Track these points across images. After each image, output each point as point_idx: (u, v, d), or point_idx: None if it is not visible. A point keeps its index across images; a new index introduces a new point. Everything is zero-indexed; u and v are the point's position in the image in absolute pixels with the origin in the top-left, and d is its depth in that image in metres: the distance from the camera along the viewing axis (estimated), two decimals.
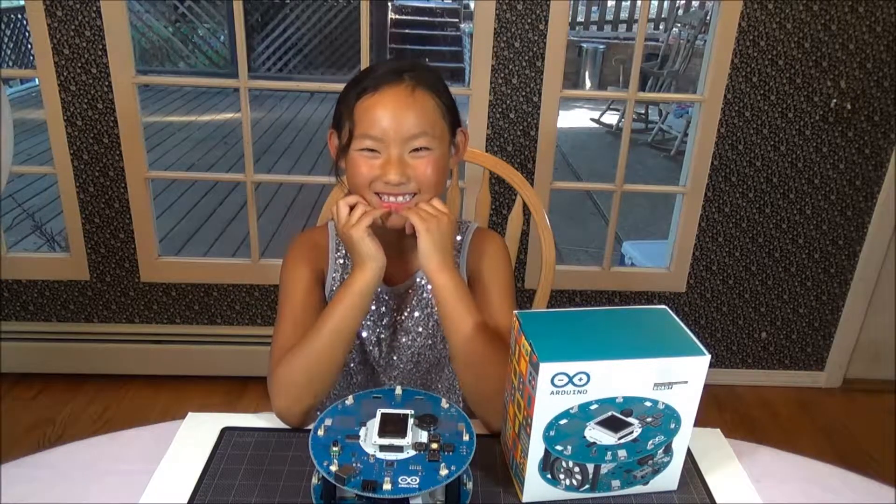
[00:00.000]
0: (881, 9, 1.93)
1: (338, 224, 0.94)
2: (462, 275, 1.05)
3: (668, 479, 0.82)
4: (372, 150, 0.92)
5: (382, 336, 1.07)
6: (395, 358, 1.08)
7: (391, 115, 0.91)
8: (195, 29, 7.57)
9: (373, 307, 1.05)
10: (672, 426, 0.78)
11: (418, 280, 1.05)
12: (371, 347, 1.07)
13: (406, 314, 1.06)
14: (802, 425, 2.23)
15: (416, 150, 0.93)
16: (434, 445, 0.75)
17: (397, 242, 1.00)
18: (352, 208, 0.93)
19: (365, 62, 1.96)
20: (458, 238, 1.07)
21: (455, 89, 1.00)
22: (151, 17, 7.40)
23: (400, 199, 0.94)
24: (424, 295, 1.05)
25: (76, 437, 0.89)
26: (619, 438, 0.77)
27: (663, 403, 0.75)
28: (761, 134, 2.08)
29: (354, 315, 0.92)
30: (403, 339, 1.07)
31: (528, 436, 0.75)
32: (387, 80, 0.92)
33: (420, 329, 1.06)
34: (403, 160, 0.92)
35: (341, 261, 1.05)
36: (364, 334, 1.06)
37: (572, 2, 3.01)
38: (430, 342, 1.07)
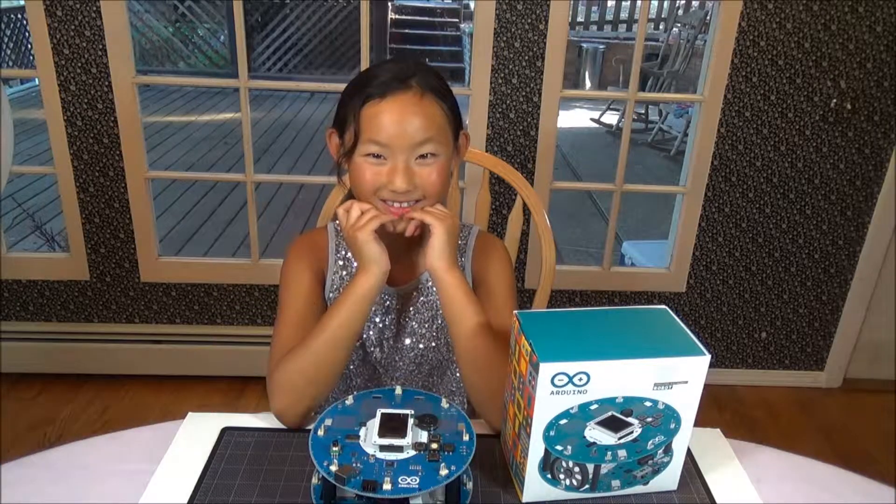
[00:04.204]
0: (881, 9, 1.93)
1: (345, 225, 0.94)
2: (466, 277, 1.05)
3: (668, 479, 0.82)
4: (377, 157, 0.92)
5: (385, 337, 1.06)
6: (397, 359, 1.08)
7: (398, 121, 0.91)
8: (195, 29, 7.57)
9: (376, 307, 1.05)
10: (672, 426, 0.78)
11: (423, 282, 1.05)
12: (372, 348, 1.07)
13: (410, 316, 1.06)
14: (802, 425, 2.23)
15: (423, 156, 0.92)
16: (434, 445, 0.75)
17: (403, 244, 1.00)
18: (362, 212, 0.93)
19: (365, 62, 1.96)
20: (461, 241, 1.07)
21: (455, 89, 0.99)
22: (151, 17, 7.40)
23: (405, 205, 0.94)
24: (429, 297, 1.05)
25: (76, 437, 0.89)
26: (619, 438, 0.77)
27: (663, 403, 0.75)
28: (761, 134, 2.08)
29: (356, 318, 0.92)
30: (406, 341, 1.07)
31: (528, 436, 0.75)
32: (394, 87, 0.92)
33: (423, 331, 1.06)
34: (410, 168, 0.92)
35: (341, 262, 1.05)
36: (366, 335, 1.06)
37: (572, 2, 3.01)
38: (433, 344, 1.07)
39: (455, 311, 0.92)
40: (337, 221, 1.09)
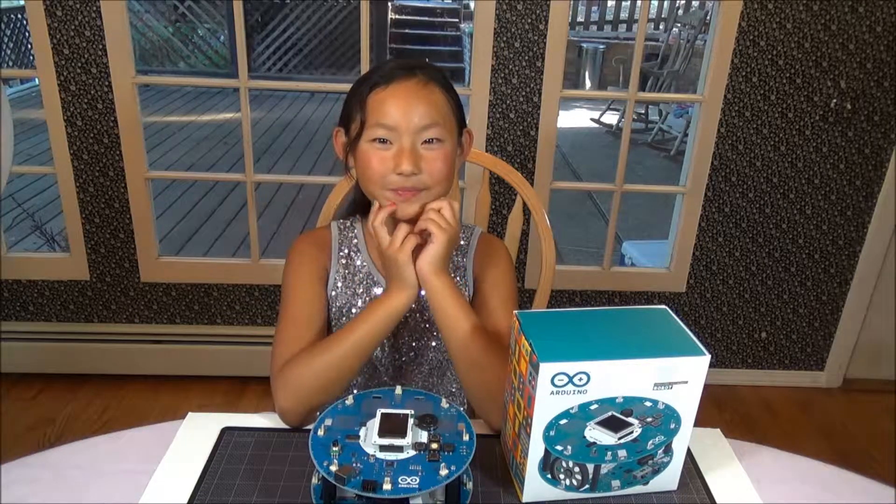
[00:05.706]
0: (881, 9, 1.93)
1: (380, 245, 0.93)
2: (468, 278, 1.05)
3: (668, 479, 0.82)
4: (384, 141, 0.93)
5: (385, 336, 1.06)
6: (397, 357, 1.08)
7: (404, 105, 0.92)
8: (195, 29, 7.57)
9: None
10: (672, 426, 0.78)
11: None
12: None
13: (410, 315, 1.06)
14: (802, 425, 2.23)
15: (428, 141, 0.93)
16: (434, 445, 0.75)
17: None
18: (388, 219, 0.93)
19: (365, 62, 1.97)
20: (463, 242, 1.07)
21: (455, 89, 1.00)
22: (151, 17, 7.40)
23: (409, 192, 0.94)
24: None
25: (76, 437, 0.89)
26: (619, 438, 0.77)
27: (663, 403, 0.75)
28: (761, 134, 2.08)
29: (379, 333, 0.93)
30: (407, 340, 1.07)
31: (528, 436, 0.75)
32: (399, 74, 0.94)
33: (423, 331, 1.06)
34: (416, 150, 0.92)
35: (344, 260, 1.05)
36: None
37: (572, 2, 3.01)
38: (433, 344, 1.07)
39: (445, 315, 0.92)
40: (341, 220, 1.09)
